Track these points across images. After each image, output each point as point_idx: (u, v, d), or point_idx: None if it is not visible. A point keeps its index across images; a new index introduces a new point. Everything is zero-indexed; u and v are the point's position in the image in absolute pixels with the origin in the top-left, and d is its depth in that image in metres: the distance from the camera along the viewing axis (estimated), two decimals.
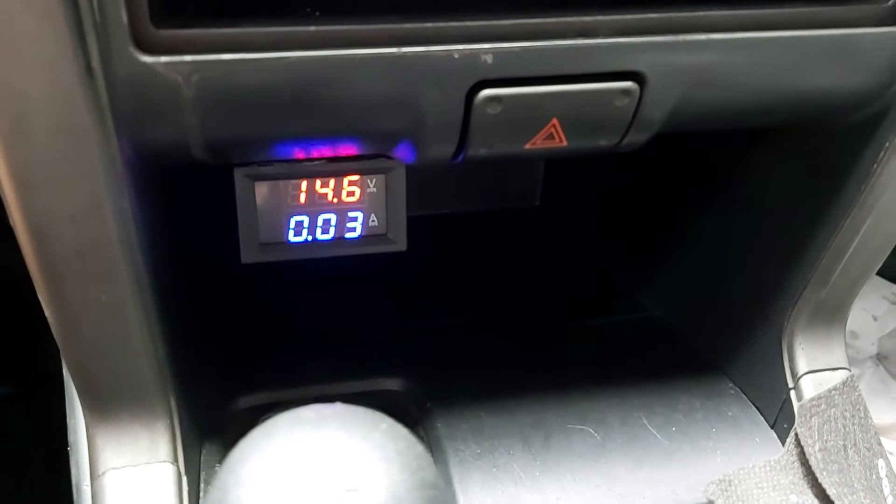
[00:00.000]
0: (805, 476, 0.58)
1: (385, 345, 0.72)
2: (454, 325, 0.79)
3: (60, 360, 0.51)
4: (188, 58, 0.39)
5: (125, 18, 0.37)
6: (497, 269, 0.92)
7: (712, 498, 0.56)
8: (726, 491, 0.56)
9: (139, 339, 0.47)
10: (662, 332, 0.78)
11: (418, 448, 0.33)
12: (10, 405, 1.07)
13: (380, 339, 0.74)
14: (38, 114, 0.37)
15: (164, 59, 0.38)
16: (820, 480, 0.56)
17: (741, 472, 0.58)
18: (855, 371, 0.69)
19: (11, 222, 0.42)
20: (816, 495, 0.57)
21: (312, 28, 0.40)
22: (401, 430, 0.34)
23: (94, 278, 0.44)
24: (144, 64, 0.38)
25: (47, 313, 0.46)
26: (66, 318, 0.46)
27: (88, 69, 0.37)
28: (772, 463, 0.58)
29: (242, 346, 0.73)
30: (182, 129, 0.41)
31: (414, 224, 0.61)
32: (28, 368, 1.04)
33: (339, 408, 0.34)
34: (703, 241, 0.75)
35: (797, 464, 0.58)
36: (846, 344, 0.66)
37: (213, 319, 0.74)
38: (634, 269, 0.87)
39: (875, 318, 1.16)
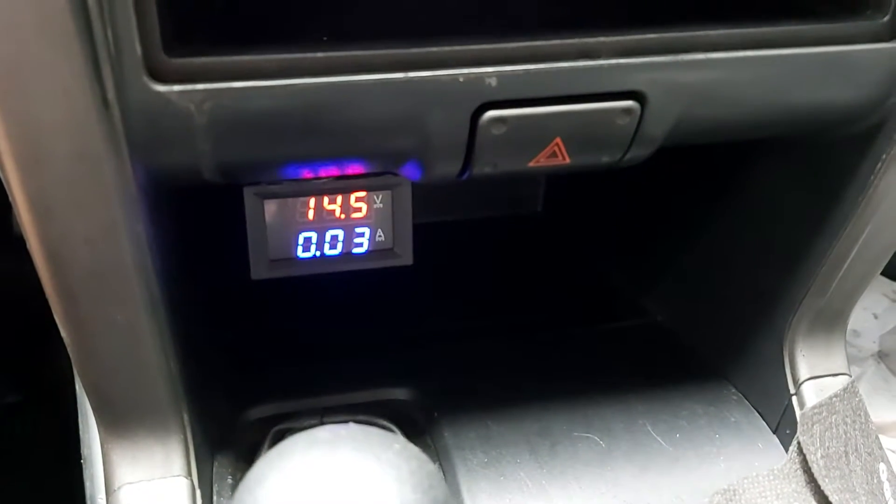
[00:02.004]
0: (808, 483, 0.59)
1: (391, 354, 0.73)
2: (458, 332, 0.79)
3: (71, 370, 0.52)
4: (200, 86, 0.40)
5: (139, 49, 0.38)
6: (500, 275, 0.93)
7: None
8: (731, 501, 0.57)
9: (153, 356, 0.48)
10: (665, 337, 0.79)
11: (430, 467, 0.34)
12: (20, 414, 1.07)
13: (385, 349, 0.75)
14: (55, 142, 0.38)
15: (176, 87, 0.39)
16: (822, 487, 0.57)
17: (745, 481, 0.58)
18: (856, 370, 0.69)
19: (28, 245, 0.43)
20: (819, 502, 0.58)
21: (321, 54, 0.41)
22: (413, 450, 0.35)
23: (110, 299, 0.45)
24: (158, 93, 0.39)
25: (63, 333, 0.47)
26: (82, 338, 0.47)
27: (104, 100, 0.38)
28: (775, 471, 0.59)
29: (251, 357, 0.73)
30: (194, 155, 0.42)
31: (416, 232, 0.62)
32: (37, 377, 1.05)
33: (352, 428, 0.35)
34: (704, 247, 0.76)
35: (800, 472, 0.59)
36: (847, 343, 0.67)
37: (221, 331, 0.75)
38: (636, 274, 0.87)
39: (876, 316, 1.16)
